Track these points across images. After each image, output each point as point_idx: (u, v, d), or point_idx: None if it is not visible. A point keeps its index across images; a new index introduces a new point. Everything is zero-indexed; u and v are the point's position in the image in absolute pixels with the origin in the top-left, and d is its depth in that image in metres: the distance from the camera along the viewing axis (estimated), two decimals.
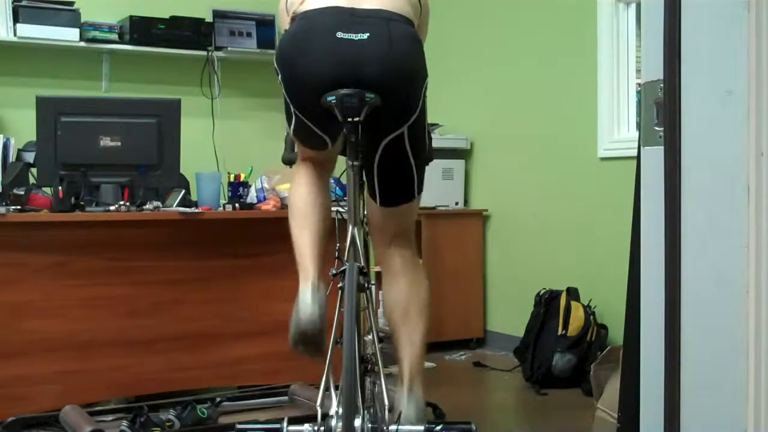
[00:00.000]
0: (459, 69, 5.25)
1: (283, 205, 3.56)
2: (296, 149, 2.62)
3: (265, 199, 3.70)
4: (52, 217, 3.25)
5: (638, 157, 1.83)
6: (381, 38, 2.30)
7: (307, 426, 2.09)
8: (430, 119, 2.58)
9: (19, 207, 3.26)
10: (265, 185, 3.72)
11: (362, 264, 2.31)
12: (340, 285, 2.25)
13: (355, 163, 2.35)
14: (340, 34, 2.30)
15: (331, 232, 2.54)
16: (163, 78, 5.30)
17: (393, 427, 2.11)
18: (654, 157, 1.70)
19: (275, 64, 2.44)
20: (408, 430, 2.12)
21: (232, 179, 3.69)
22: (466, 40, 5.28)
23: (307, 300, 2.30)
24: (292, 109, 2.43)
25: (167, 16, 5.16)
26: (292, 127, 2.49)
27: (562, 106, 4.65)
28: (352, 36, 2.30)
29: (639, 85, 2.16)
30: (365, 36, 2.30)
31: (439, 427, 2.13)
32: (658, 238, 1.68)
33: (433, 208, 5.00)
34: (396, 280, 2.59)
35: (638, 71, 4.13)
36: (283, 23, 2.59)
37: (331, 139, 2.47)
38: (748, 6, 1.54)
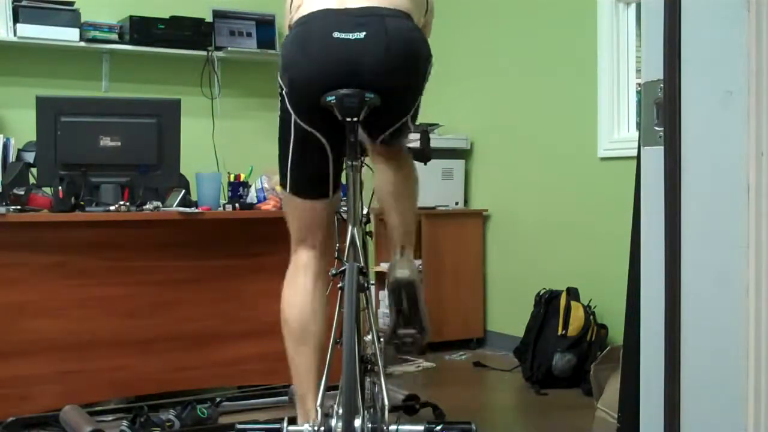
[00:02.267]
0: (459, 69, 5.25)
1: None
2: (291, 228, 2.51)
3: (265, 199, 3.70)
4: (52, 217, 3.25)
5: (638, 157, 1.83)
6: (378, 36, 2.30)
7: (307, 426, 2.09)
8: (429, 119, 2.59)
9: (19, 207, 3.26)
10: (265, 185, 3.72)
11: (362, 264, 2.31)
12: (340, 285, 2.25)
13: (355, 163, 2.36)
14: (336, 35, 2.30)
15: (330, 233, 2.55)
16: (163, 78, 5.30)
17: (393, 427, 2.11)
18: (654, 157, 1.70)
19: (279, 79, 2.42)
20: (408, 430, 2.12)
21: (232, 179, 3.69)
22: (466, 40, 5.28)
23: None
24: (293, 119, 2.39)
25: (167, 16, 5.16)
26: (289, 160, 2.42)
27: (562, 106, 4.65)
28: (349, 35, 2.30)
29: (639, 85, 2.16)
30: (362, 35, 2.30)
31: (439, 427, 2.13)
32: (658, 238, 1.68)
33: (433, 208, 5.00)
34: (387, 167, 2.57)
35: (638, 71, 4.12)
36: (285, 24, 2.61)
37: (330, 148, 2.42)
38: (748, 6, 1.53)
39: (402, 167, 2.60)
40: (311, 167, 2.45)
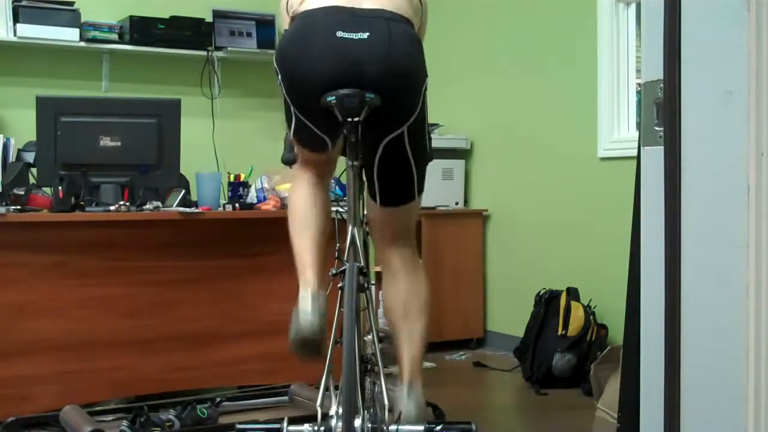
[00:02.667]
0: (459, 69, 5.25)
1: (283, 205, 3.57)
2: (296, 152, 2.62)
3: (265, 199, 3.70)
4: (52, 217, 3.25)
5: (638, 157, 1.83)
6: (381, 38, 2.30)
7: (307, 426, 2.09)
8: (430, 119, 2.58)
9: (19, 207, 3.26)
10: (265, 185, 3.72)
11: (362, 264, 2.31)
12: (340, 285, 2.25)
13: (355, 163, 2.35)
14: (340, 33, 2.30)
15: (331, 233, 2.54)
16: (163, 78, 5.30)
17: (393, 427, 2.11)
18: (654, 157, 1.70)
19: (275, 65, 2.44)
20: (408, 430, 2.12)
21: (232, 179, 3.69)
22: (466, 40, 5.28)
23: (306, 308, 2.30)
24: (292, 109, 2.43)
25: (167, 16, 5.16)
26: (292, 128, 2.48)
27: (562, 106, 4.65)
28: (352, 35, 2.30)
29: (639, 85, 2.16)
30: (365, 35, 2.30)
31: (439, 427, 2.13)
32: (658, 238, 1.68)
33: (433, 208, 5.00)
34: (396, 279, 2.59)
35: (638, 71, 4.13)
36: (284, 23, 2.59)
37: (331, 140, 2.46)
38: (748, 6, 1.53)
39: (410, 266, 2.60)
40: (313, 141, 2.50)
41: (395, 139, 2.42)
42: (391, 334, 2.59)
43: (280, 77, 2.43)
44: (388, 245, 2.61)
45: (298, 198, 2.55)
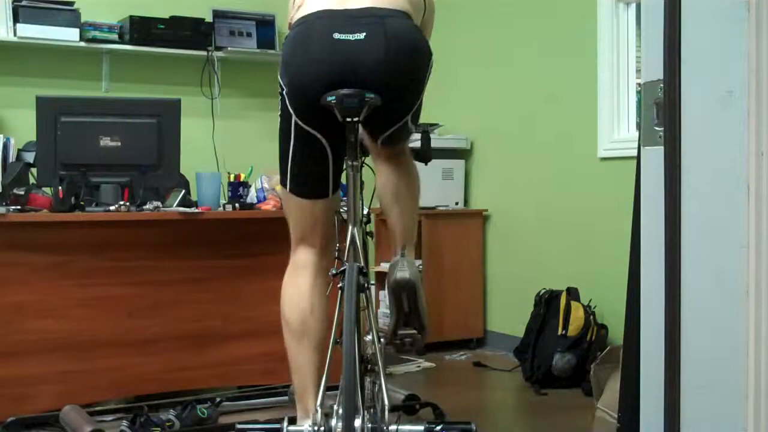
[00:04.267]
0: (459, 69, 5.25)
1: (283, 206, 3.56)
2: (291, 227, 2.51)
3: (265, 199, 3.70)
4: (52, 217, 3.25)
5: (638, 157, 1.83)
6: (377, 36, 2.30)
7: (307, 426, 2.09)
8: (430, 119, 2.59)
9: (19, 207, 3.26)
10: (265, 185, 3.72)
11: (362, 264, 2.31)
12: (340, 285, 2.25)
13: (355, 163, 2.36)
14: (337, 35, 2.30)
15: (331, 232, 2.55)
16: (163, 78, 5.30)
17: (393, 427, 2.11)
18: (654, 157, 1.70)
19: (279, 79, 2.42)
20: (408, 430, 2.12)
21: (232, 179, 3.69)
22: (466, 40, 5.28)
23: None
24: (293, 120, 2.39)
25: (167, 16, 5.16)
26: (290, 156, 2.43)
27: (562, 107, 4.65)
28: (349, 36, 2.30)
29: (639, 85, 2.17)
30: (362, 35, 2.30)
31: (439, 427, 2.13)
32: (658, 238, 1.68)
33: (433, 208, 5.00)
34: (387, 167, 2.58)
35: (638, 71, 4.12)
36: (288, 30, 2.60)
37: (330, 148, 2.42)
38: (748, 6, 1.54)
39: (403, 167, 2.61)
40: (311, 167, 2.45)
41: (396, 128, 2.44)
42: (385, 214, 2.62)
43: (284, 91, 2.40)
44: (385, 161, 2.61)
45: (294, 300, 2.44)
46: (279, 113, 2.44)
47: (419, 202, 2.66)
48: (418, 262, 2.65)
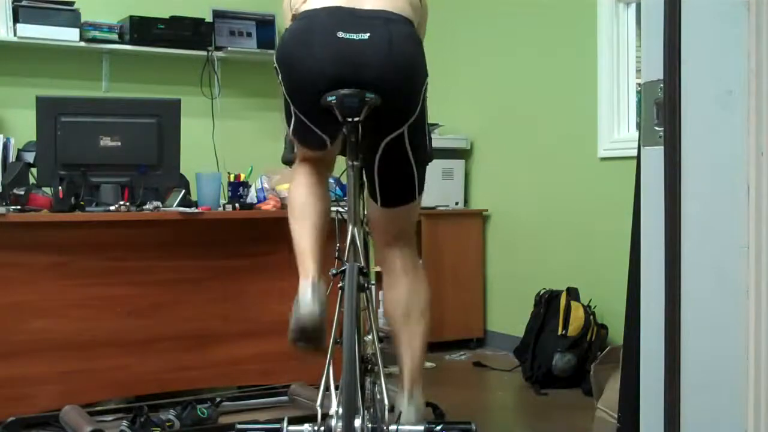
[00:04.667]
0: (459, 69, 5.25)
1: (283, 205, 3.57)
2: (295, 149, 2.61)
3: (265, 199, 3.70)
4: (52, 217, 3.25)
5: (638, 157, 1.83)
6: (381, 38, 2.31)
7: (307, 426, 2.09)
8: (430, 119, 2.58)
9: (19, 207, 3.26)
10: (265, 185, 3.72)
11: (362, 264, 2.31)
12: (340, 285, 2.25)
13: (355, 163, 2.35)
14: (341, 34, 2.30)
15: (330, 232, 2.54)
16: (163, 78, 5.30)
17: (393, 427, 2.11)
18: (654, 157, 1.70)
19: (275, 64, 2.44)
20: (408, 430, 2.12)
21: (232, 179, 3.69)
22: (466, 40, 5.28)
23: (307, 297, 2.29)
24: (292, 108, 2.43)
25: (167, 16, 5.16)
26: (291, 126, 2.48)
27: (562, 107, 4.65)
28: (353, 36, 2.30)
29: (639, 85, 2.16)
30: (366, 36, 2.30)
31: (439, 427, 2.13)
32: (658, 238, 1.68)
33: (433, 208, 5.00)
34: (396, 281, 2.59)
35: (638, 71, 4.12)
36: (285, 21, 2.59)
37: (330, 139, 2.47)
38: (748, 6, 1.54)
39: (415, 278, 2.60)
40: (311, 141, 2.50)
41: (395, 139, 2.42)
42: (392, 337, 2.59)
43: (280, 77, 2.43)
44: (389, 246, 2.62)
45: (298, 193, 2.54)
46: (280, 91, 2.46)
47: (430, 323, 2.61)
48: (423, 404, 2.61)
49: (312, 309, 2.26)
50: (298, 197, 2.53)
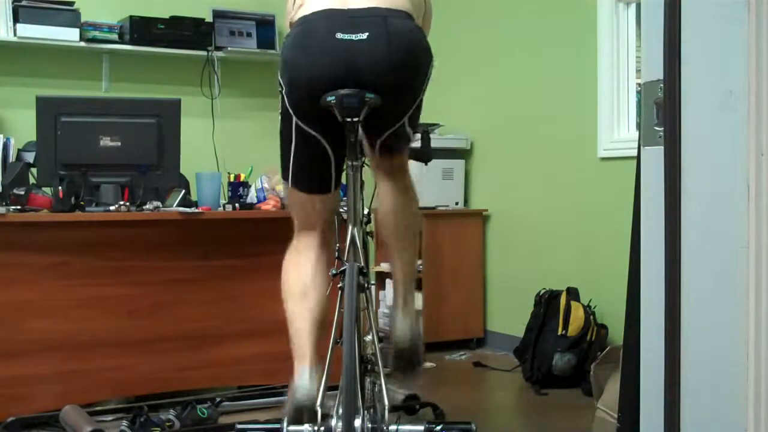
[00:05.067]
0: (459, 69, 5.25)
1: (283, 205, 3.57)
2: (293, 215, 2.56)
3: (265, 199, 3.70)
4: (52, 217, 3.25)
5: (638, 157, 1.83)
6: (380, 37, 2.30)
7: (307, 426, 2.09)
8: (430, 119, 2.59)
9: (19, 207, 3.26)
10: (265, 185, 3.72)
11: (362, 264, 2.31)
12: (340, 285, 2.25)
13: (355, 163, 2.35)
14: (339, 35, 2.30)
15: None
16: (163, 78, 5.30)
17: (393, 427, 2.11)
18: (654, 157, 1.70)
19: (279, 78, 2.42)
20: (408, 430, 2.12)
21: (232, 179, 3.69)
22: (466, 40, 5.28)
23: (304, 381, 2.28)
24: (293, 122, 2.39)
25: (167, 16, 5.16)
26: (291, 159, 2.44)
27: (562, 106, 4.65)
28: (352, 36, 2.30)
29: (639, 85, 2.16)
30: (364, 36, 2.30)
31: (439, 427, 2.14)
32: (658, 238, 1.68)
33: (433, 208, 5.00)
34: (386, 197, 2.58)
35: (638, 71, 4.12)
36: (286, 27, 2.60)
37: (332, 149, 2.43)
38: (748, 6, 1.54)
39: (404, 192, 2.60)
40: (313, 166, 2.46)
41: (395, 129, 2.43)
42: (387, 248, 2.64)
43: (284, 90, 2.40)
44: (385, 177, 2.60)
45: (295, 269, 2.48)
46: (279, 112, 2.44)
47: (419, 236, 2.68)
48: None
49: (310, 390, 2.26)
50: (298, 277, 2.47)
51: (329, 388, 2.16)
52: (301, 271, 2.48)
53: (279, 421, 2.13)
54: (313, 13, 2.36)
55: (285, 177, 2.51)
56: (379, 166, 2.58)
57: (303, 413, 2.22)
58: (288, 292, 2.47)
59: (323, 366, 2.25)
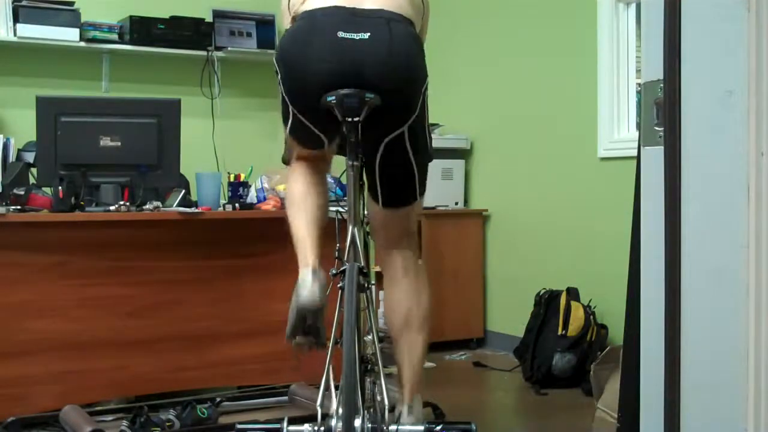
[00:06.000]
0: (459, 69, 5.25)
1: (283, 206, 3.56)
2: (290, 147, 2.61)
3: (265, 199, 3.70)
4: (52, 217, 3.25)
5: (638, 157, 1.83)
6: (382, 38, 2.31)
7: (307, 426, 2.09)
8: (430, 119, 2.58)
9: (19, 207, 3.26)
10: (265, 185, 3.72)
11: (362, 264, 2.31)
12: (340, 285, 2.25)
13: (355, 163, 2.35)
14: (341, 34, 2.30)
15: (330, 232, 2.54)
16: (163, 78, 5.30)
17: (393, 427, 2.11)
18: (654, 157, 1.70)
19: (275, 64, 2.44)
20: (408, 431, 2.12)
21: (232, 179, 3.69)
22: (466, 40, 5.28)
23: (307, 282, 2.28)
24: (290, 108, 2.43)
25: (167, 16, 5.16)
26: (288, 126, 2.48)
27: (562, 106, 4.65)
28: (354, 35, 2.30)
29: (639, 85, 2.16)
30: (366, 36, 2.30)
31: (439, 427, 2.13)
32: (658, 238, 1.68)
33: (433, 208, 5.00)
34: (397, 284, 2.59)
35: (638, 71, 4.12)
36: (285, 23, 2.59)
37: (328, 139, 2.46)
38: (748, 6, 1.54)
39: (416, 280, 2.59)
40: (309, 140, 2.50)
41: (396, 139, 2.42)
42: (392, 342, 2.58)
43: (279, 76, 2.43)
44: (390, 247, 2.61)
45: (295, 184, 2.54)
46: (279, 91, 2.45)
47: (430, 331, 2.59)
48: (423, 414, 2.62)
49: (312, 292, 2.26)
50: (297, 190, 2.52)
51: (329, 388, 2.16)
52: (298, 186, 2.52)
53: (279, 421, 2.13)
54: (318, 9, 2.36)
55: (285, 126, 2.54)
56: (386, 227, 2.59)
57: (306, 317, 2.23)
58: (289, 206, 2.51)
59: (326, 270, 2.31)
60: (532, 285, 4.51)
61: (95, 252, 3.35)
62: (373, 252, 2.76)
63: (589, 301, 4.27)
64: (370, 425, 2.06)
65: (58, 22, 4.84)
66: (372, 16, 2.33)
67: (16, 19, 4.77)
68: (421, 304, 2.57)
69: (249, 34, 5.48)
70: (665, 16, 1.64)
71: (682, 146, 1.64)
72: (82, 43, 4.94)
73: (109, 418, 3.34)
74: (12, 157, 3.99)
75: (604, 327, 4.22)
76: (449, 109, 5.23)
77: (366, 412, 2.12)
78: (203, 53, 5.31)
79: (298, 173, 2.56)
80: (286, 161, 2.66)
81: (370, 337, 2.43)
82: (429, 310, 2.58)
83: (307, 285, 2.28)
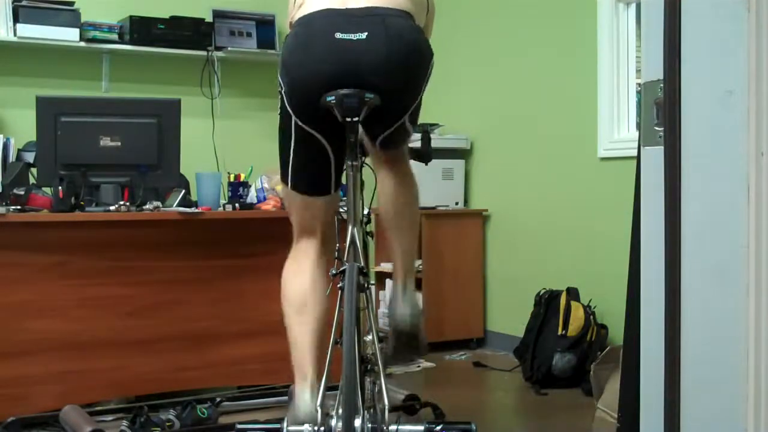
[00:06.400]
0: (459, 69, 5.25)
1: (284, 206, 3.56)
2: (292, 220, 2.54)
3: (265, 199, 3.70)
4: (52, 217, 3.25)
5: (638, 157, 1.83)
6: (379, 37, 2.30)
7: (307, 426, 2.09)
8: (430, 119, 2.59)
9: (19, 207, 3.26)
10: (265, 185, 3.72)
11: (362, 264, 2.31)
12: (340, 285, 2.25)
13: (355, 163, 2.35)
14: (338, 35, 2.30)
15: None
16: (163, 78, 5.30)
17: (393, 427, 2.11)
18: (654, 157, 1.70)
19: (278, 78, 2.41)
20: (408, 430, 2.12)
21: (232, 179, 3.69)
22: (466, 40, 5.28)
23: (305, 402, 2.24)
24: (293, 120, 2.39)
25: (167, 16, 5.16)
26: (291, 151, 2.43)
27: (562, 106, 4.65)
28: (351, 36, 2.30)
29: (639, 85, 2.16)
30: (363, 35, 2.30)
31: (439, 427, 2.13)
32: (658, 238, 1.68)
33: (433, 208, 5.00)
34: (387, 183, 2.58)
35: (638, 71, 4.12)
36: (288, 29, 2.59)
37: (332, 147, 2.43)
38: (748, 6, 1.54)
39: (404, 178, 2.60)
40: (312, 168, 2.45)
41: (395, 129, 2.44)
42: (387, 236, 2.64)
43: (283, 90, 2.39)
44: (384, 165, 2.60)
45: (295, 279, 2.46)
46: (279, 112, 2.44)
47: (418, 220, 2.68)
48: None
49: (311, 410, 2.20)
50: (299, 288, 2.44)
51: (329, 388, 2.16)
52: (300, 280, 2.45)
53: (279, 421, 2.13)
54: (312, 13, 2.36)
55: (284, 179, 2.50)
56: (379, 157, 2.59)
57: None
58: (288, 302, 2.45)
59: (322, 380, 2.22)
60: (532, 285, 4.51)
61: (95, 252, 3.36)
62: (373, 252, 2.77)
63: (589, 301, 4.27)
64: (370, 425, 2.07)
65: (58, 22, 4.83)
66: (367, 15, 2.32)
67: (16, 19, 4.77)
68: (408, 196, 2.61)
69: (249, 34, 5.48)
70: (665, 16, 1.64)
71: (682, 146, 1.63)
72: (82, 43, 4.94)
73: (109, 418, 3.34)
74: (12, 157, 3.99)
75: (604, 327, 4.22)
76: (449, 109, 5.23)
77: (366, 412, 2.12)
78: (203, 53, 5.30)
79: (301, 260, 2.48)
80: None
81: (370, 337, 2.43)
82: (416, 198, 2.64)
83: (306, 406, 2.23)
